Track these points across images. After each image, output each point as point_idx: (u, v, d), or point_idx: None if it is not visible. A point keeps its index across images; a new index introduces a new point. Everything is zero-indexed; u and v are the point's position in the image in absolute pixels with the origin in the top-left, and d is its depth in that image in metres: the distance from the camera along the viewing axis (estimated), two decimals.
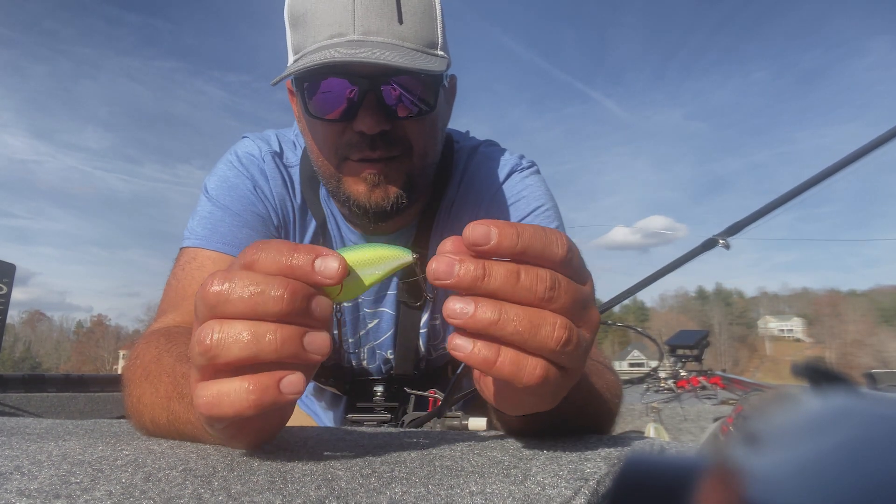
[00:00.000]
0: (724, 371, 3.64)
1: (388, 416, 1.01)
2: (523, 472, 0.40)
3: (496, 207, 0.96)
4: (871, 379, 2.49)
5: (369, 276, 0.42)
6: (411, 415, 0.98)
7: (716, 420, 2.41)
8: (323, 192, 0.97)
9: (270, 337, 0.37)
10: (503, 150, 1.04)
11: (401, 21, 0.75)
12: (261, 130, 1.04)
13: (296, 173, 0.97)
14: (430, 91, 0.80)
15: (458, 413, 0.85)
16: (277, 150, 0.97)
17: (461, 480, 0.38)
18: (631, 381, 3.33)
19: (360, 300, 1.02)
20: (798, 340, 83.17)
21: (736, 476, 0.15)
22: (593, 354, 0.65)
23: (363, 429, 0.63)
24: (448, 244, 0.40)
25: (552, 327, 0.39)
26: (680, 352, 3.42)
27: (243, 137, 1.01)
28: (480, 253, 0.38)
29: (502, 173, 0.99)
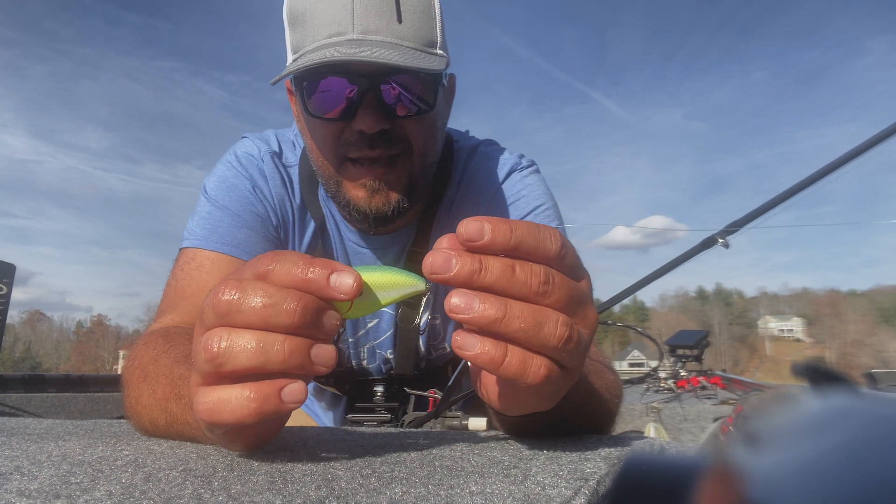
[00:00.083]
0: (724, 371, 3.64)
1: (389, 416, 1.01)
2: (523, 472, 0.40)
3: (496, 207, 0.96)
4: (871, 379, 2.49)
5: (381, 298, 0.42)
6: (411, 415, 0.98)
7: (716, 420, 2.41)
8: (322, 192, 0.96)
9: (278, 348, 0.37)
10: (503, 150, 1.04)
11: (400, 20, 0.75)
12: (261, 130, 1.04)
13: (295, 173, 0.97)
14: (429, 90, 0.79)
15: (458, 413, 0.85)
16: (277, 150, 0.97)
17: (461, 480, 0.38)
18: (631, 381, 3.33)
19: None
20: (798, 340, 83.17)
21: (736, 476, 0.15)
22: (593, 354, 0.65)
23: (363, 429, 0.63)
24: (444, 241, 0.40)
25: (554, 324, 0.39)
26: (680, 352, 3.41)
27: (242, 137, 1.01)
28: (474, 249, 0.39)
29: (502, 173, 0.98)
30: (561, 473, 0.39)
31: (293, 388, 0.38)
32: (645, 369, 3.69)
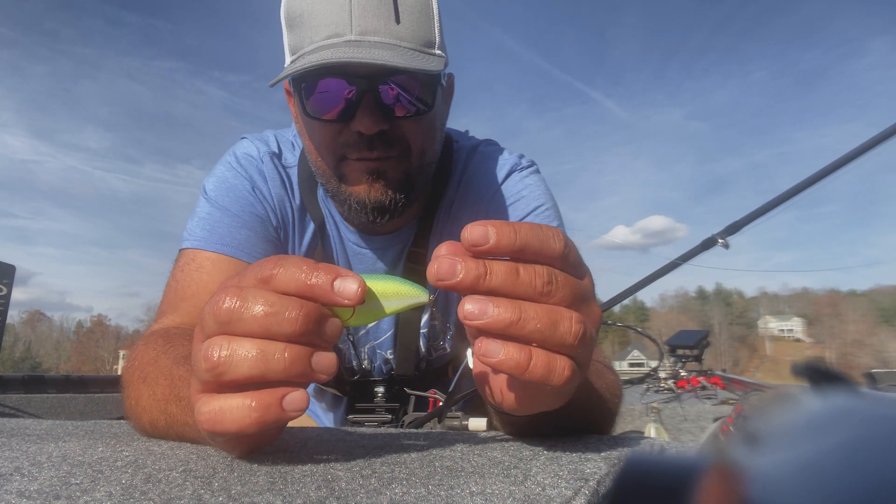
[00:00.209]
0: (724, 371, 3.64)
1: (389, 416, 1.01)
2: (523, 473, 0.40)
3: (496, 207, 0.96)
4: (871, 379, 2.49)
5: (383, 307, 0.42)
6: (411, 415, 0.98)
7: (716, 420, 2.41)
8: (321, 192, 0.96)
9: (279, 357, 0.37)
10: (502, 150, 1.04)
11: (398, 21, 0.75)
12: (260, 130, 1.04)
13: (294, 174, 0.97)
14: (427, 90, 0.79)
15: (458, 413, 0.85)
16: (276, 150, 0.97)
17: (461, 481, 0.38)
18: (631, 381, 3.33)
19: None
20: (798, 340, 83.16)
21: (736, 476, 0.15)
22: (593, 354, 0.65)
23: (363, 429, 0.63)
24: (443, 248, 0.40)
25: (569, 322, 0.39)
26: (680, 352, 3.41)
27: (242, 138, 1.01)
28: (480, 253, 0.39)
29: (502, 173, 0.98)
30: (561, 474, 0.39)
31: (294, 397, 0.38)
32: (645, 369, 3.69)
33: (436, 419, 0.85)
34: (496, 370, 0.44)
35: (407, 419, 0.97)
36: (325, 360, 0.39)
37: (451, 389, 0.80)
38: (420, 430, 0.78)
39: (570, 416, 0.55)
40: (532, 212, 0.95)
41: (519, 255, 0.39)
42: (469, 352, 0.48)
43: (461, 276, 0.38)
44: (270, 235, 0.94)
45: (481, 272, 0.38)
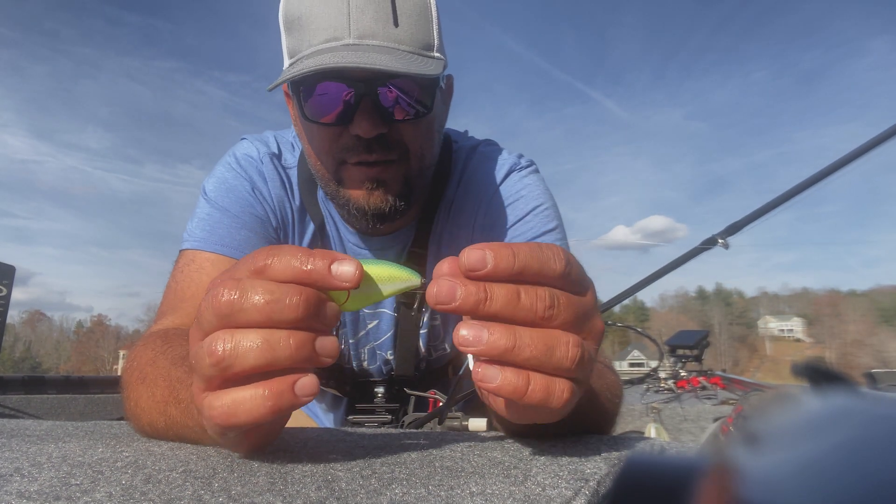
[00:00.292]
0: (724, 371, 3.64)
1: (389, 417, 1.01)
2: (523, 473, 0.40)
3: (495, 207, 0.96)
4: (871, 379, 2.49)
5: (376, 291, 0.43)
6: (411, 416, 0.98)
7: (716, 420, 2.41)
8: (321, 193, 0.96)
9: (284, 343, 0.37)
10: (501, 150, 1.04)
11: (396, 24, 0.75)
12: (260, 131, 1.04)
13: (294, 175, 0.97)
14: (427, 93, 0.79)
15: (459, 414, 0.85)
16: (276, 151, 0.97)
17: (461, 481, 0.38)
18: (631, 382, 3.33)
19: None
20: (798, 340, 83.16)
21: (736, 476, 0.15)
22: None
23: (363, 430, 0.63)
24: (445, 266, 0.39)
25: (566, 347, 0.39)
26: (680, 352, 3.41)
27: (242, 139, 1.01)
28: (478, 278, 0.38)
29: (501, 173, 0.98)
30: (561, 474, 0.39)
31: (305, 382, 0.38)
32: (645, 369, 3.69)
33: (436, 419, 0.85)
34: (496, 395, 0.44)
35: (407, 419, 0.97)
36: (329, 344, 0.39)
37: (451, 390, 0.80)
38: (420, 431, 0.78)
39: (571, 419, 0.55)
40: (531, 211, 0.95)
41: (518, 278, 0.39)
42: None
43: (460, 300, 0.38)
44: (270, 236, 0.94)
45: (481, 297, 0.38)
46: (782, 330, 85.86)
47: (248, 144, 0.98)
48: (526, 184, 0.98)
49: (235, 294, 0.37)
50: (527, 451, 0.48)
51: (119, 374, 0.74)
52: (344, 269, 0.39)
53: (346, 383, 1.12)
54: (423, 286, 0.44)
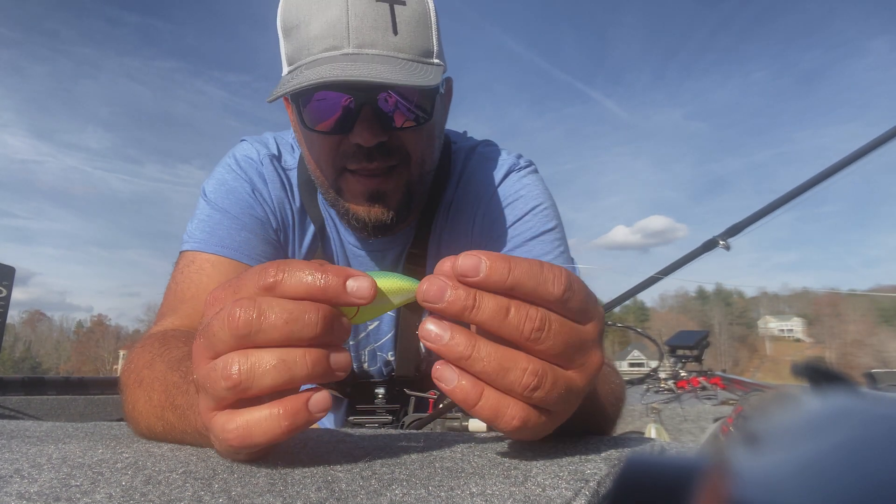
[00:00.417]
0: (724, 371, 3.64)
1: (389, 417, 1.01)
2: (524, 474, 0.40)
3: (494, 207, 0.96)
4: (871, 379, 2.49)
5: (385, 304, 0.43)
6: (412, 416, 0.98)
7: (716, 420, 2.42)
8: (321, 195, 0.97)
9: (301, 362, 0.37)
10: (500, 150, 1.04)
11: (395, 32, 0.74)
12: (261, 131, 1.04)
13: (294, 176, 0.97)
14: (426, 100, 0.79)
15: (459, 414, 0.85)
16: (276, 153, 0.97)
17: (461, 482, 0.38)
18: (631, 382, 3.33)
19: None
20: (798, 340, 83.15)
21: (736, 476, 0.15)
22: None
23: (364, 431, 0.63)
24: (446, 265, 0.39)
25: (521, 372, 0.38)
26: (680, 352, 3.41)
27: (241, 141, 1.01)
28: (469, 285, 0.38)
29: (500, 173, 0.98)
30: (561, 475, 0.39)
31: (318, 398, 0.38)
32: (645, 370, 3.69)
33: (436, 420, 0.85)
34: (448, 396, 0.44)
35: (407, 420, 0.97)
36: (342, 358, 0.39)
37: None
38: (420, 431, 0.78)
39: (571, 421, 0.55)
40: (530, 211, 0.95)
41: (511, 293, 0.38)
42: None
43: (447, 302, 0.37)
44: (270, 238, 0.94)
45: (469, 304, 0.37)
46: (782, 330, 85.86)
47: (248, 146, 0.98)
48: (525, 184, 0.98)
49: (254, 314, 0.36)
50: (527, 452, 0.48)
51: (118, 374, 0.74)
52: (359, 285, 0.38)
53: (346, 384, 1.12)
54: None
